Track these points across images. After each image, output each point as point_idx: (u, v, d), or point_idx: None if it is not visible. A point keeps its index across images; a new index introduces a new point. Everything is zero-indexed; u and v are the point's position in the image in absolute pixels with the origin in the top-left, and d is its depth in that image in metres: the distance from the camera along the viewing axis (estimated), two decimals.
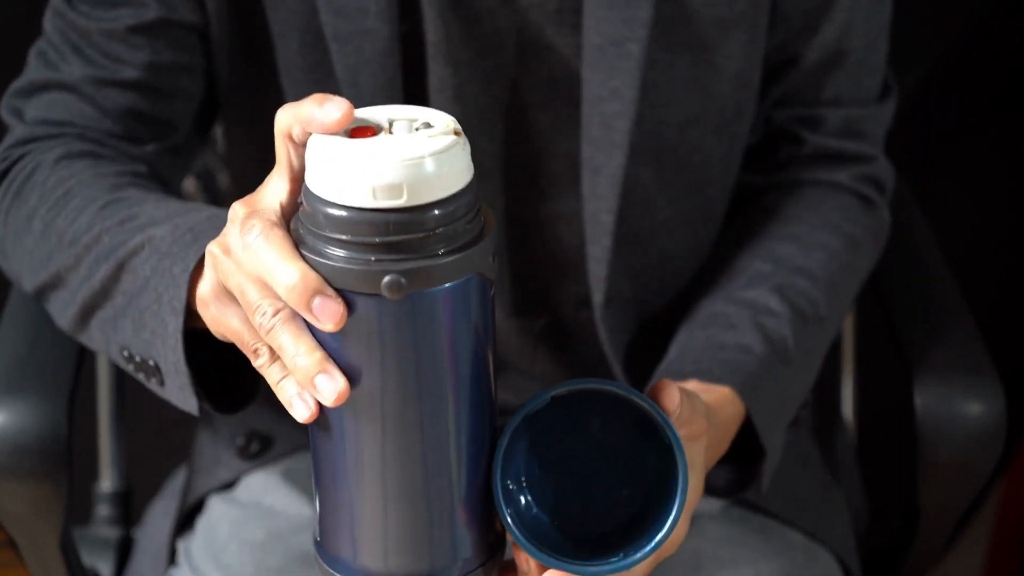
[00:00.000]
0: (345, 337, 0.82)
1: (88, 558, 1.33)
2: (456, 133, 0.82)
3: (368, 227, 0.80)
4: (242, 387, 1.02)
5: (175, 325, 0.96)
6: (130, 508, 1.44)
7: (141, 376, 1.02)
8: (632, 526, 0.91)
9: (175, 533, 1.26)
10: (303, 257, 0.82)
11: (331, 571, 0.89)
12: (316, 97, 0.83)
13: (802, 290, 1.15)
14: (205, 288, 0.90)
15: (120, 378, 1.42)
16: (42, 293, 1.10)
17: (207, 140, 1.28)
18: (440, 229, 0.81)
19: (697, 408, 0.95)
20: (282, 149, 0.87)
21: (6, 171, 1.13)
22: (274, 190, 0.87)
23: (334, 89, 1.11)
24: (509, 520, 0.88)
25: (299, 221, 0.84)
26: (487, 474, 0.88)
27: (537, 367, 1.24)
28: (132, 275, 1.01)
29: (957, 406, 1.19)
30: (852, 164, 1.22)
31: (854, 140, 1.22)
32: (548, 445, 0.92)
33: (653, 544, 0.88)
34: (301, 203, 0.83)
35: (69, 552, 1.22)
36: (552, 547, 0.89)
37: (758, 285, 1.15)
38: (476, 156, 0.85)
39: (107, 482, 1.43)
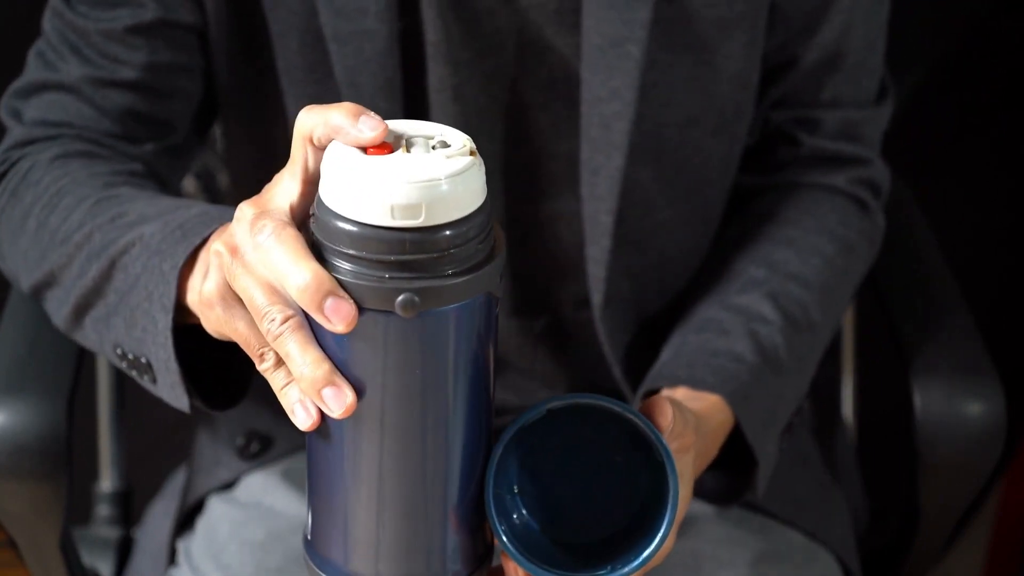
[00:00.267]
0: (351, 350, 0.82)
1: (88, 558, 1.33)
2: (472, 153, 0.82)
3: (384, 245, 0.80)
4: (234, 384, 1.02)
5: (165, 323, 0.96)
6: (130, 508, 1.44)
7: (134, 373, 1.02)
8: (623, 537, 0.92)
9: (175, 533, 1.26)
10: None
11: (320, 572, 0.89)
12: (349, 108, 0.82)
13: (795, 297, 1.15)
14: (210, 288, 0.89)
15: (120, 378, 1.42)
16: (38, 292, 1.10)
17: (206, 140, 1.28)
18: (455, 249, 0.81)
19: (687, 421, 0.96)
20: (299, 150, 0.86)
21: (4, 173, 1.13)
22: (285, 191, 0.86)
23: (333, 89, 1.11)
24: (500, 530, 0.88)
25: (310, 232, 0.83)
26: (481, 483, 0.88)
27: (537, 367, 1.24)
28: (123, 273, 1.00)
29: (957, 406, 1.19)
30: (849, 167, 1.22)
31: (851, 143, 1.22)
32: (541, 455, 0.92)
33: (641, 560, 0.89)
34: (313, 214, 0.83)
35: (69, 552, 1.22)
36: (542, 556, 0.89)
37: (751, 291, 1.15)
38: None
39: (107, 482, 1.43)
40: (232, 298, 0.88)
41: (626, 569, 0.89)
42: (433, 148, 0.82)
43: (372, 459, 0.85)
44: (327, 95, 1.12)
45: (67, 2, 1.13)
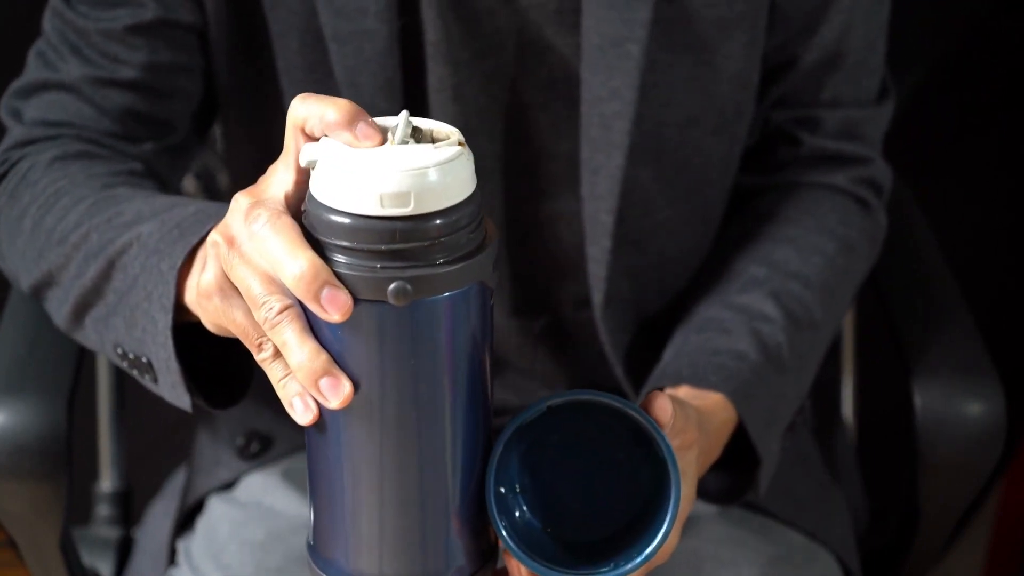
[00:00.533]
0: (346, 343, 0.83)
1: (88, 558, 1.33)
2: (460, 144, 0.83)
3: (375, 235, 0.81)
4: (235, 382, 1.02)
5: (165, 322, 0.96)
6: (130, 508, 1.44)
7: (135, 373, 1.02)
8: (624, 534, 0.92)
9: (175, 533, 1.26)
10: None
11: (324, 575, 0.89)
12: (346, 109, 0.83)
13: (797, 295, 1.15)
14: (208, 279, 0.89)
15: (120, 378, 1.42)
16: (38, 292, 1.10)
17: (206, 140, 1.28)
18: (445, 238, 0.82)
19: (690, 417, 0.96)
20: (291, 140, 0.86)
21: (4, 173, 1.13)
22: (279, 180, 0.86)
23: (333, 89, 1.11)
24: (501, 527, 0.88)
25: (303, 229, 0.84)
26: (482, 480, 0.88)
27: (537, 367, 1.24)
28: (122, 273, 1.00)
29: (957, 406, 1.19)
30: (850, 166, 1.22)
31: (852, 142, 1.22)
32: (542, 453, 0.92)
33: (643, 557, 0.89)
34: (305, 209, 0.84)
35: (69, 552, 1.22)
36: (544, 554, 0.89)
37: (753, 290, 1.15)
38: (476, 156, 0.85)
39: (107, 482, 1.43)
40: (230, 288, 0.88)
41: (628, 566, 0.89)
42: (421, 141, 0.83)
43: (371, 454, 0.85)
44: (327, 95, 1.12)
45: (67, 2, 1.13)
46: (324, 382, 0.83)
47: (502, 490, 0.90)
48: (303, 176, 0.86)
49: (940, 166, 1.86)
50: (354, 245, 0.81)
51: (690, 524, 1.18)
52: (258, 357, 0.86)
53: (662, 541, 0.89)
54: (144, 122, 1.14)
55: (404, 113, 0.84)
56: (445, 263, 0.82)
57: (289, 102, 1.14)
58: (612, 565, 0.89)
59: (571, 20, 1.11)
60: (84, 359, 1.20)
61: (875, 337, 1.43)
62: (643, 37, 1.10)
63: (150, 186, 1.10)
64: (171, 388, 0.99)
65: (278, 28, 1.12)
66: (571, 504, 0.93)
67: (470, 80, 1.13)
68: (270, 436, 1.25)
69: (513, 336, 1.22)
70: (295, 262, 0.81)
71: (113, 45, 1.12)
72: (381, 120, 0.85)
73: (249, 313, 0.86)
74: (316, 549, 0.90)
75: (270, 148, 1.17)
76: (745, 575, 1.17)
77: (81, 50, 1.13)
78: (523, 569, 0.90)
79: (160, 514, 1.32)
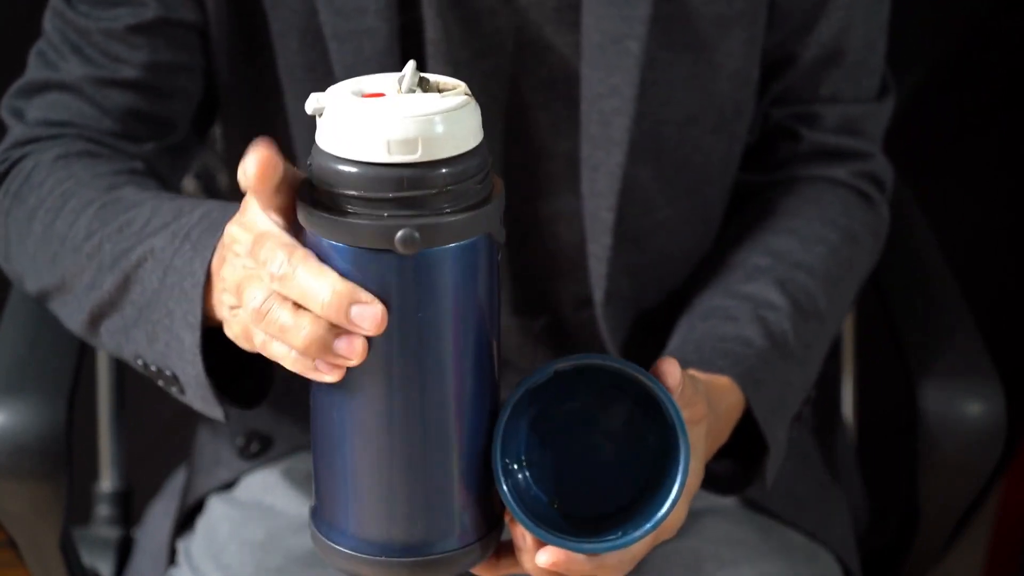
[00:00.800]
0: None
1: (88, 558, 1.33)
2: (466, 94, 0.84)
3: (382, 182, 0.81)
4: (257, 378, 1.01)
5: (192, 340, 0.95)
6: (130, 508, 1.44)
7: (160, 383, 1.02)
8: (631, 506, 0.91)
9: (175, 533, 1.26)
10: (315, 219, 0.82)
11: (327, 541, 0.89)
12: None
13: (802, 284, 1.15)
14: (236, 334, 0.89)
15: (120, 378, 1.42)
16: (45, 296, 1.10)
17: (206, 140, 1.28)
18: (452, 186, 0.82)
19: (699, 390, 0.96)
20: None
21: (6, 172, 1.13)
22: (259, 213, 0.86)
23: None
24: (507, 493, 0.88)
25: (308, 184, 0.84)
26: (488, 445, 0.88)
27: (538, 366, 1.24)
28: (140, 286, 1.00)
29: (957, 406, 1.19)
30: (850, 160, 1.22)
31: (852, 137, 1.22)
32: (548, 425, 0.92)
33: (652, 522, 0.88)
34: (309, 164, 0.84)
35: (69, 552, 1.22)
36: (551, 526, 0.89)
37: (758, 279, 1.15)
38: None
39: (107, 482, 1.43)
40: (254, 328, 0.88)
41: (637, 533, 0.88)
42: (428, 91, 0.84)
43: (378, 411, 0.85)
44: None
45: (68, 1, 1.13)
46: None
47: (508, 462, 0.90)
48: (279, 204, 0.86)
49: (940, 166, 1.86)
50: (361, 193, 0.81)
51: (691, 523, 1.17)
52: (278, 322, 0.85)
53: (671, 507, 0.88)
54: (145, 121, 1.14)
55: (411, 63, 0.84)
56: (453, 212, 0.82)
57: (289, 101, 1.15)
58: (620, 532, 0.89)
59: (571, 18, 1.11)
60: (84, 359, 1.20)
61: (875, 337, 1.43)
62: (643, 34, 1.10)
63: (153, 185, 1.10)
64: (201, 401, 0.99)
65: (278, 27, 1.13)
66: (577, 476, 0.93)
67: (470, 79, 1.12)
68: (270, 436, 1.25)
69: (513, 336, 1.23)
70: (319, 292, 0.82)
71: (114, 45, 1.12)
72: (387, 76, 0.85)
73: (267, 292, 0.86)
74: (320, 515, 0.90)
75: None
76: (745, 575, 1.17)
77: (82, 50, 1.13)
78: (529, 537, 0.90)
79: (160, 514, 1.32)
